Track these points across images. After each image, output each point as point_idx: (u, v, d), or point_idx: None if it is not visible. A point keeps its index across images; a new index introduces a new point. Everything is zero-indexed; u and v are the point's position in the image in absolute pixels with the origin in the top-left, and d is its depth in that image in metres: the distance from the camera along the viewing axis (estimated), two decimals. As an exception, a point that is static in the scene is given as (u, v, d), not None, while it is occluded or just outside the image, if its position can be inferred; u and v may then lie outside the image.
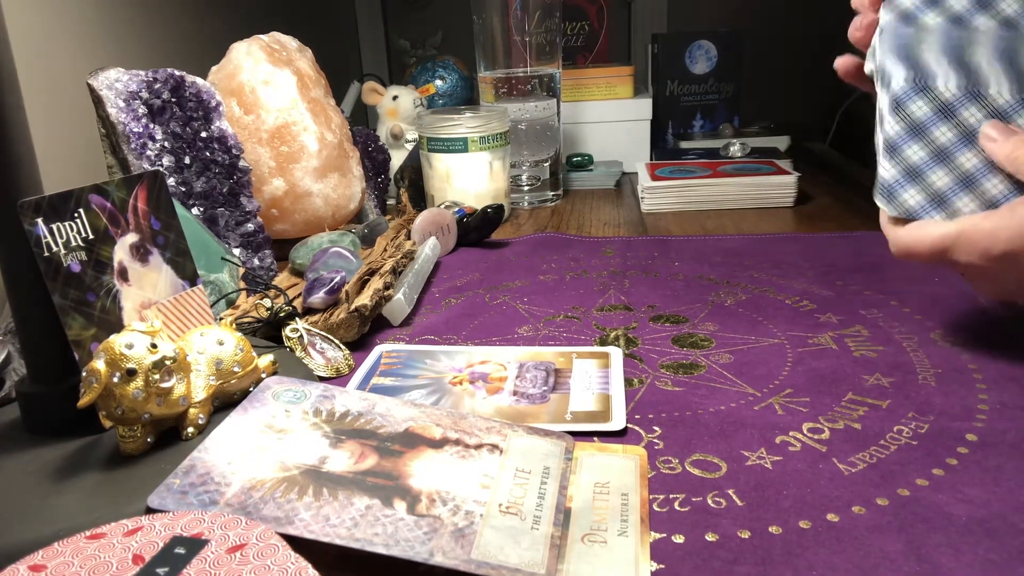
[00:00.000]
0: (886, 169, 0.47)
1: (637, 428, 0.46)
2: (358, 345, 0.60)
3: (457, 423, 0.43)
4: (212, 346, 0.44)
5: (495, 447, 0.41)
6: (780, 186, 0.96)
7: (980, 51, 0.46)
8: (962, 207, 0.46)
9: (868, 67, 0.49)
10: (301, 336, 0.57)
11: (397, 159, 1.11)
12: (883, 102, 0.48)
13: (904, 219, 0.47)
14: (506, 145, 0.93)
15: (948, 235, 0.45)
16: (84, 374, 0.38)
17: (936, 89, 0.46)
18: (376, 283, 0.63)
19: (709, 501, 0.39)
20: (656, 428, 0.46)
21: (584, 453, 0.42)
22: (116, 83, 0.67)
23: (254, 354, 0.47)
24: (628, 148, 1.23)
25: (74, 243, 0.42)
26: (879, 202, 0.48)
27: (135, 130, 0.66)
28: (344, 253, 0.67)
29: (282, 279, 0.71)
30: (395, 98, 1.19)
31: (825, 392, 0.49)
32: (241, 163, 0.72)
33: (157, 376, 0.39)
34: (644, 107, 1.21)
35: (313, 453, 0.39)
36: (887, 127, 0.47)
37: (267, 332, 0.60)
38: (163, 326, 0.46)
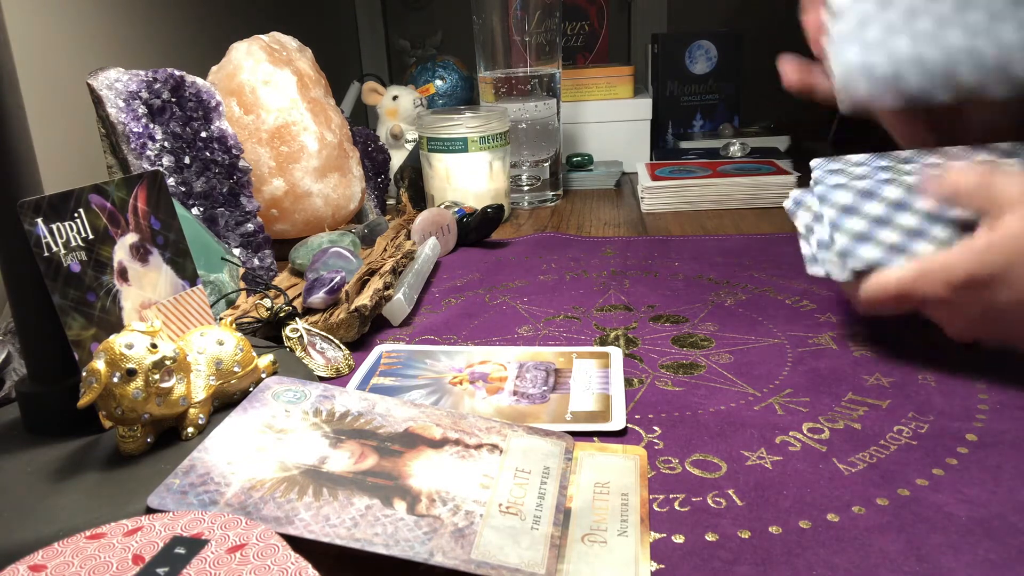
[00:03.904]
0: (837, 238, 0.49)
1: (637, 428, 0.46)
2: (358, 345, 0.60)
3: (457, 423, 0.43)
4: (212, 346, 0.44)
5: (495, 447, 0.41)
6: (780, 186, 0.96)
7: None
8: (922, 251, 0.47)
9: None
10: (301, 336, 0.57)
11: (397, 159, 1.11)
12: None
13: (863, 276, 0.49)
14: (506, 145, 0.93)
15: (908, 275, 0.46)
16: (84, 374, 0.38)
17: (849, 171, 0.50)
18: (376, 283, 0.63)
19: (709, 501, 0.39)
20: (656, 428, 0.46)
21: (584, 453, 0.42)
22: (116, 83, 0.67)
23: (254, 354, 0.47)
24: (628, 148, 1.23)
25: (74, 243, 0.42)
26: (818, 269, 0.51)
27: (135, 130, 0.66)
28: (344, 253, 0.67)
29: (282, 279, 0.71)
30: (395, 98, 1.19)
31: (825, 392, 0.49)
32: (241, 163, 0.72)
33: (157, 376, 0.39)
34: (644, 107, 1.21)
35: (313, 453, 0.39)
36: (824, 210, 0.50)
37: (267, 332, 0.60)
38: (163, 326, 0.46)
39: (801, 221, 0.52)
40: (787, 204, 0.53)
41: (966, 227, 0.45)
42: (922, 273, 0.45)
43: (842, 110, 0.51)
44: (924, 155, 0.49)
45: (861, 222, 0.48)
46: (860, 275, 0.49)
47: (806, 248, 0.52)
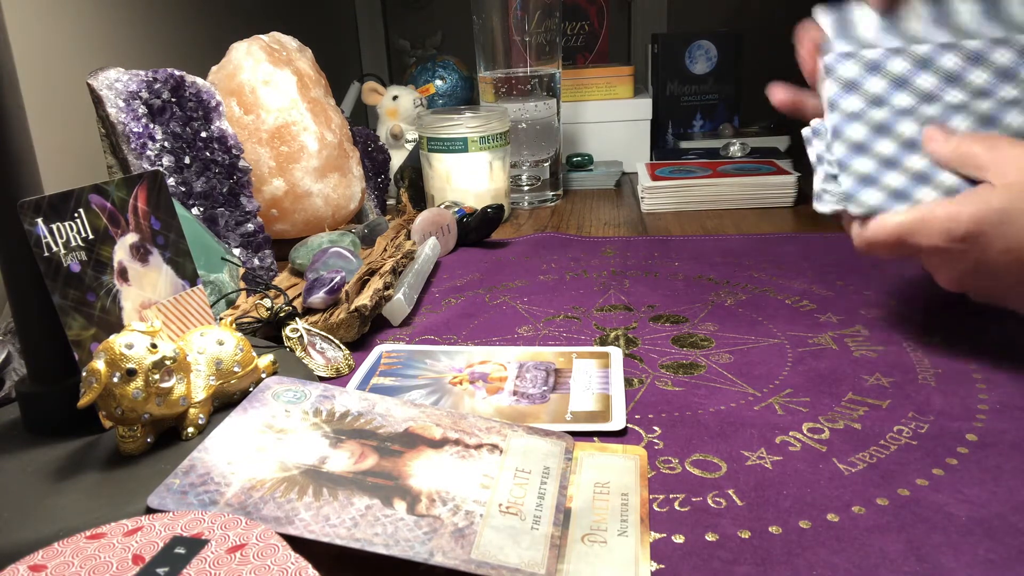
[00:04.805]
0: (843, 179, 0.50)
1: (637, 428, 0.46)
2: (358, 345, 0.60)
3: (457, 423, 0.43)
4: (212, 346, 0.44)
5: (495, 447, 0.41)
6: (780, 186, 0.96)
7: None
8: (924, 197, 0.48)
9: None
10: (301, 336, 0.57)
11: (397, 159, 1.11)
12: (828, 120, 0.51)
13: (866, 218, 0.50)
14: (506, 145, 0.93)
15: (908, 221, 0.47)
16: (84, 374, 0.38)
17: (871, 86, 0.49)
18: (376, 283, 0.63)
19: (709, 501, 0.39)
20: (656, 428, 0.46)
21: (584, 453, 0.42)
22: (116, 83, 0.67)
23: (254, 354, 0.47)
24: (628, 148, 1.22)
25: (74, 243, 0.42)
26: (823, 207, 0.52)
27: (135, 130, 0.66)
28: (344, 253, 0.67)
29: (282, 279, 0.71)
30: (395, 98, 1.19)
31: (825, 392, 0.49)
32: (241, 163, 0.72)
33: (157, 376, 0.39)
34: (644, 107, 1.21)
35: (313, 453, 0.39)
36: (835, 147, 0.50)
37: (267, 332, 0.60)
38: (163, 326, 0.46)
39: (814, 151, 0.53)
40: (805, 132, 0.54)
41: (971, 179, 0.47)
42: (922, 221, 0.46)
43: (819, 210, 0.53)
44: (938, 41, 0.48)
45: (870, 163, 0.49)
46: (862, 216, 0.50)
47: (816, 183, 0.53)
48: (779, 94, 0.54)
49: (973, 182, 0.46)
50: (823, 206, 0.52)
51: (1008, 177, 0.44)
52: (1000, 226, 0.44)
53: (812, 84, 0.53)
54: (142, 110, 0.67)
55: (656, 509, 0.38)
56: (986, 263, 0.45)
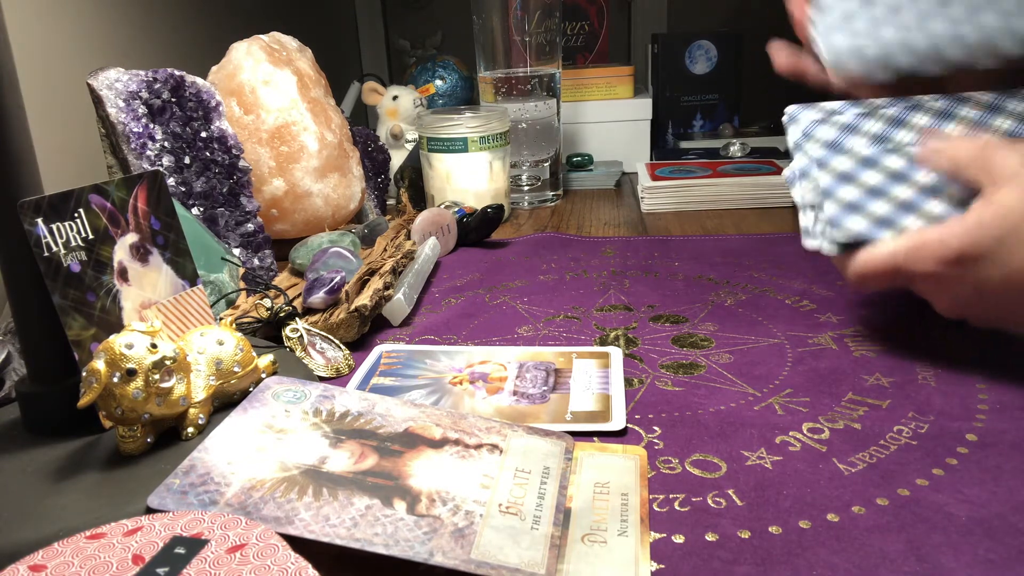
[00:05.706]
0: (829, 206, 0.49)
1: (637, 428, 0.46)
2: (358, 345, 0.60)
3: (457, 423, 0.43)
4: (212, 346, 0.44)
5: (495, 447, 0.41)
6: (780, 186, 0.96)
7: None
8: (910, 225, 0.47)
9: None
10: (301, 336, 0.57)
11: (397, 159, 1.11)
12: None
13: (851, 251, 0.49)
14: (506, 145, 0.93)
15: (900, 249, 0.45)
16: (84, 374, 0.38)
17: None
18: (376, 283, 0.63)
19: (709, 501, 0.39)
20: (656, 428, 0.46)
21: (584, 453, 0.42)
22: (116, 83, 0.67)
23: (254, 354, 0.47)
24: (628, 148, 1.23)
25: (74, 243, 0.42)
26: (811, 243, 0.51)
27: (135, 130, 0.66)
28: (344, 253, 0.67)
29: (282, 279, 0.71)
30: (395, 98, 1.19)
31: (825, 392, 0.49)
32: (241, 163, 0.72)
33: (157, 376, 0.39)
34: (644, 107, 1.21)
35: (313, 453, 0.39)
36: (821, 177, 0.50)
37: (267, 332, 0.60)
38: (163, 326, 0.46)
39: (798, 193, 0.52)
40: (786, 173, 0.53)
41: (962, 203, 0.45)
42: (914, 248, 0.45)
43: (836, 85, 0.52)
44: (902, 103, 0.50)
45: (855, 191, 0.48)
46: (851, 248, 0.48)
47: (803, 220, 0.52)
48: (781, 58, 0.53)
49: (964, 203, 0.45)
50: (813, 241, 0.51)
51: (1005, 199, 0.42)
52: (998, 254, 0.42)
53: (805, 43, 0.53)
54: (142, 110, 0.67)
55: (656, 509, 0.38)
56: (987, 290, 0.44)
